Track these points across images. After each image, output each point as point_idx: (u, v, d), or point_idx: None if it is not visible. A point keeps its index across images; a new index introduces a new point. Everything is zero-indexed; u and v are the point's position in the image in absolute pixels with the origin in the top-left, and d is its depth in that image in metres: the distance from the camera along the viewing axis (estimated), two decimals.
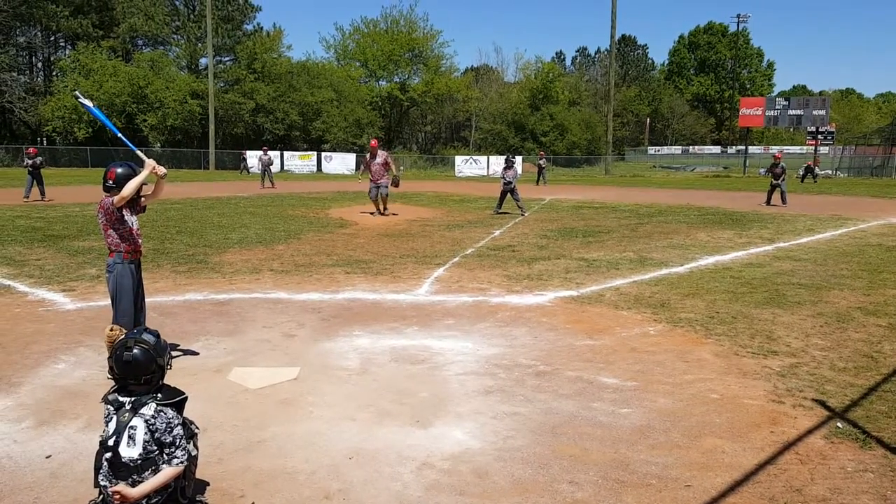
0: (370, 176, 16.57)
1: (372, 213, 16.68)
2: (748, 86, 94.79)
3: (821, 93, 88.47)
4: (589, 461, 3.70)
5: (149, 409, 2.97)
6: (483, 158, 49.64)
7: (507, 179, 17.70)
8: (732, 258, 10.49)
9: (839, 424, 4.17)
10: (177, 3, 57.43)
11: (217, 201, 20.49)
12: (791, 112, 44.96)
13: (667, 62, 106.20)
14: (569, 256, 10.65)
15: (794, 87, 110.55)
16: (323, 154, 50.27)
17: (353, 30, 62.81)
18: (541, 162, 35.07)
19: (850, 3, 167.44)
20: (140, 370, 2.98)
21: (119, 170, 5.02)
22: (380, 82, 62.62)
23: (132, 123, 49.64)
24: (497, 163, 43.01)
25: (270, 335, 6.12)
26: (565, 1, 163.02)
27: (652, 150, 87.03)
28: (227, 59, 57.18)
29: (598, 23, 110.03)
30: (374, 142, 17.12)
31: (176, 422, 3.01)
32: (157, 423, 2.95)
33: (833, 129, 46.96)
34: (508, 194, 17.71)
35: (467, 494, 3.35)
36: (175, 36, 57.15)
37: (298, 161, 48.81)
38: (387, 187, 16.61)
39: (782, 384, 4.87)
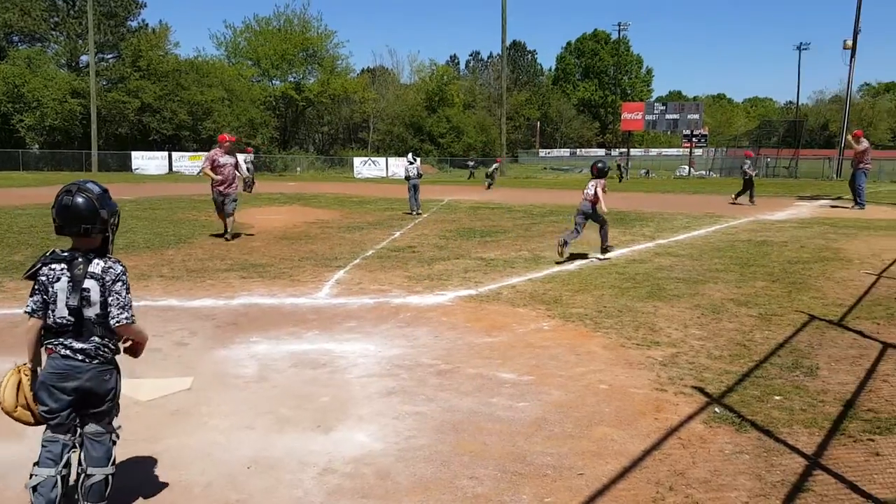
0: (215, 179, 12.38)
1: (221, 236, 12.57)
2: (629, 91, 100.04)
3: (695, 98, 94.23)
4: (488, 456, 3.81)
5: (97, 267, 2.92)
6: (382, 160, 49.53)
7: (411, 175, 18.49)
8: (617, 255, 10.99)
9: (717, 409, 4.46)
10: None
11: None
12: (668, 116, 47.58)
13: (554, 68, 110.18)
14: (467, 256, 10.85)
15: (670, 92, 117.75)
16: None
17: (244, 27, 61.00)
18: (495, 166, 36.43)
19: (721, 16, 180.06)
20: (79, 218, 2.89)
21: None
22: (273, 82, 61.14)
23: (7, 124, 46.26)
24: (397, 164, 43.19)
25: (161, 344, 5.87)
26: (457, 5, 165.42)
27: (543, 152, 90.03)
28: (110, 56, 54.26)
29: (490, 26, 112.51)
30: (231, 136, 13.30)
31: (123, 279, 2.98)
32: (107, 278, 2.93)
33: (706, 133, 50.23)
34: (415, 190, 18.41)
35: (370, 497, 3.37)
36: (54, 32, 53.71)
37: (188, 162, 46.78)
38: (235, 201, 12.60)
39: (664, 373, 5.18)
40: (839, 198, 22.70)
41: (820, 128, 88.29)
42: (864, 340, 6.06)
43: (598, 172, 10.38)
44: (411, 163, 18.91)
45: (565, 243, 10.11)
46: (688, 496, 3.35)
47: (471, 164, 46.18)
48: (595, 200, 10.12)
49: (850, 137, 21.62)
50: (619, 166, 42.30)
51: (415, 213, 17.92)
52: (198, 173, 12.85)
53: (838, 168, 39.35)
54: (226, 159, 12.50)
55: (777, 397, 4.67)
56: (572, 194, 27.84)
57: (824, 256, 10.79)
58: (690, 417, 4.34)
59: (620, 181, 38.18)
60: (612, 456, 3.81)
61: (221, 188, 12.37)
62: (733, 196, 22.11)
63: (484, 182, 34.17)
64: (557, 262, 10.10)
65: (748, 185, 21.76)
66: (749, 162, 22.43)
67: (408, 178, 18.53)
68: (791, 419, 4.29)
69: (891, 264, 10.04)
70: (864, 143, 20.11)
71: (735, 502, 3.30)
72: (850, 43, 39.17)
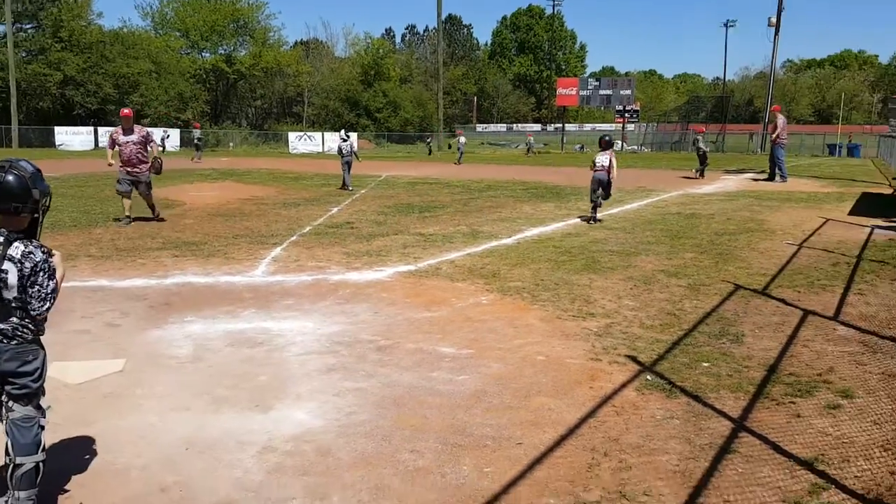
0: (120, 161, 11.24)
1: (119, 220, 11.27)
2: (563, 67, 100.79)
3: (626, 74, 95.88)
4: (429, 429, 3.85)
5: (17, 250, 2.84)
6: (318, 134, 48.71)
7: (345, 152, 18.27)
8: (554, 229, 11.22)
9: (648, 377, 4.62)
10: None
11: None
12: (602, 92, 48.26)
13: (490, 42, 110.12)
14: (406, 232, 10.83)
15: (603, 68, 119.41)
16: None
17: None
18: (462, 139, 36.52)
19: None
20: (10, 196, 2.84)
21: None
22: (203, 54, 59.08)
23: None
24: (333, 139, 42.63)
25: (91, 325, 5.67)
26: None
27: (480, 127, 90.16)
28: (28, 26, 51.26)
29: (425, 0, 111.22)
30: (126, 111, 11.84)
31: (45, 267, 2.90)
32: (26, 265, 2.85)
33: (638, 108, 51.24)
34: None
35: (311, 473, 3.36)
36: None
37: None
38: (149, 185, 11.43)
39: (599, 343, 5.33)
40: (763, 171, 23.63)
41: (745, 103, 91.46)
42: (786, 308, 6.37)
43: (606, 145, 12.08)
44: (344, 140, 18.72)
45: (593, 219, 11.75)
46: (621, 461, 3.48)
47: (428, 140, 49.49)
48: (608, 170, 11.58)
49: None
50: (528, 143, 46.10)
51: (348, 188, 17.73)
52: (111, 154, 11.57)
53: (762, 142, 40.90)
54: (126, 137, 11.15)
55: (705, 364, 4.87)
56: (510, 169, 28.19)
57: (749, 228, 11.26)
58: (624, 385, 4.49)
59: (527, 154, 41.87)
60: (549, 425, 3.91)
61: (129, 169, 11.16)
62: (695, 173, 22.61)
63: (456, 156, 34.78)
64: (581, 218, 12.16)
65: (703, 159, 22.69)
66: (702, 137, 23.20)
67: (341, 153, 18.37)
68: (718, 384, 4.49)
69: (810, 235, 10.56)
70: (780, 119, 21.01)
71: (666, 465, 3.44)
72: (774, 20, 40.59)
